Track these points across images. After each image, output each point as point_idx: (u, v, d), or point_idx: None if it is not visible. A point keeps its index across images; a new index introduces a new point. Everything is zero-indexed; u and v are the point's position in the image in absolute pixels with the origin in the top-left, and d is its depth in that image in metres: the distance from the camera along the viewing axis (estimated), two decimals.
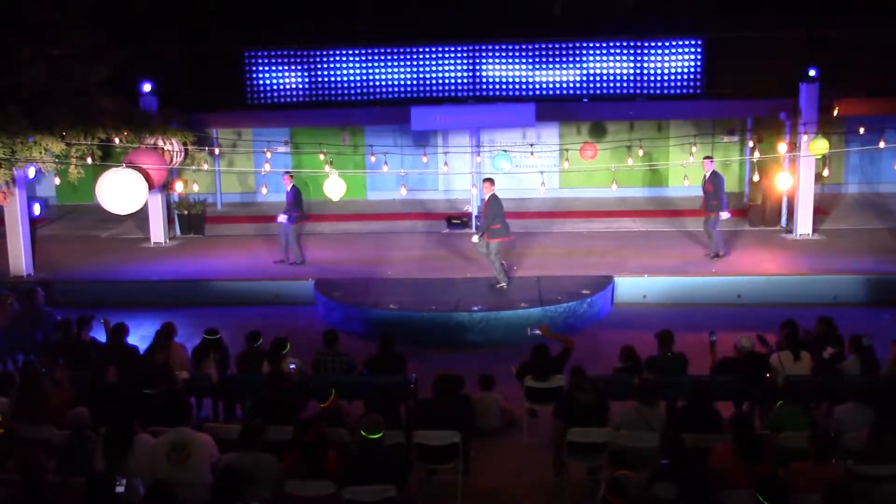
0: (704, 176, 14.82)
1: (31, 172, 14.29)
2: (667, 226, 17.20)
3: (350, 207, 18.33)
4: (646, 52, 16.50)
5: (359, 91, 16.98)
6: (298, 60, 16.97)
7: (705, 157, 14.80)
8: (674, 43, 16.45)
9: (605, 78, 16.63)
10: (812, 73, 15.46)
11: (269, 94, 17.05)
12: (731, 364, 9.30)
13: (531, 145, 14.04)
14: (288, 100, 17.08)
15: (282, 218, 15.00)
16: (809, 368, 9.25)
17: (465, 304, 13.02)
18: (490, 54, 16.72)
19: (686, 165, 14.50)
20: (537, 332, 10.27)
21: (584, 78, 16.65)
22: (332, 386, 8.29)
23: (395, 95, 16.90)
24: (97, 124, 13.61)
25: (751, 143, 16.19)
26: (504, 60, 16.71)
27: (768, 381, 8.86)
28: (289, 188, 14.97)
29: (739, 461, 6.70)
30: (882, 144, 14.25)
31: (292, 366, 9.15)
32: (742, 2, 18.09)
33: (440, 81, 16.81)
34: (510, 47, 16.68)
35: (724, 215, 14.76)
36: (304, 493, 6.80)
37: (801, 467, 6.68)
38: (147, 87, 15.89)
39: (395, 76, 16.88)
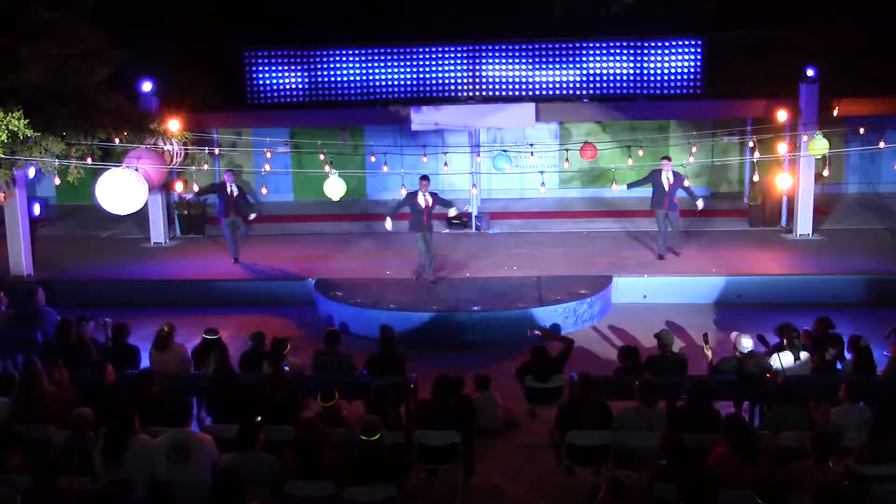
0: (668, 176, 14.50)
1: (31, 172, 14.28)
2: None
3: (350, 207, 18.33)
4: (646, 52, 16.49)
5: (359, 91, 16.98)
6: (298, 60, 16.96)
7: (663, 158, 14.69)
8: (674, 43, 16.44)
9: (605, 78, 16.62)
10: (810, 72, 15.47)
11: (269, 94, 17.04)
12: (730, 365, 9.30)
13: (531, 145, 14.04)
14: (288, 100, 17.08)
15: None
16: (809, 368, 9.27)
17: (465, 304, 13.02)
18: (490, 54, 16.70)
19: (686, 166, 14.49)
20: (537, 332, 10.29)
21: (584, 78, 16.64)
22: (332, 386, 8.28)
23: (395, 95, 16.90)
24: (97, 124, 13.61)
25: (751, 144, 16.18)
26: (504, 60, 16.70)
27: (768, 382, 8.86)
28: (232, 185, 15.20)
29: (737, 461, 6.71)
30: (882, 144, 14.27)
31: (286, 368, 9.17)
32: (742, 2, 18.07)
33: (440, 81, 16.80)
34: (510, 47, 16.67)
35: (700, 204, 14.69)
36: (304, 493, 6.80)
37: (801, 467, 6.68)
38: (147, 87, 15.88)
39: (395, 76, 16.88)
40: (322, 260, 15.54)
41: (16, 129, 11.62)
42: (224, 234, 15.59)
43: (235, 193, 15.14)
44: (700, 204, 14.61)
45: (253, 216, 15.58)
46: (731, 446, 6.81)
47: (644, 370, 9.20)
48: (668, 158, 14.65)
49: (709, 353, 9.47)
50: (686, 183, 14.72)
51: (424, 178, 13.82)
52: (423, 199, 13.67)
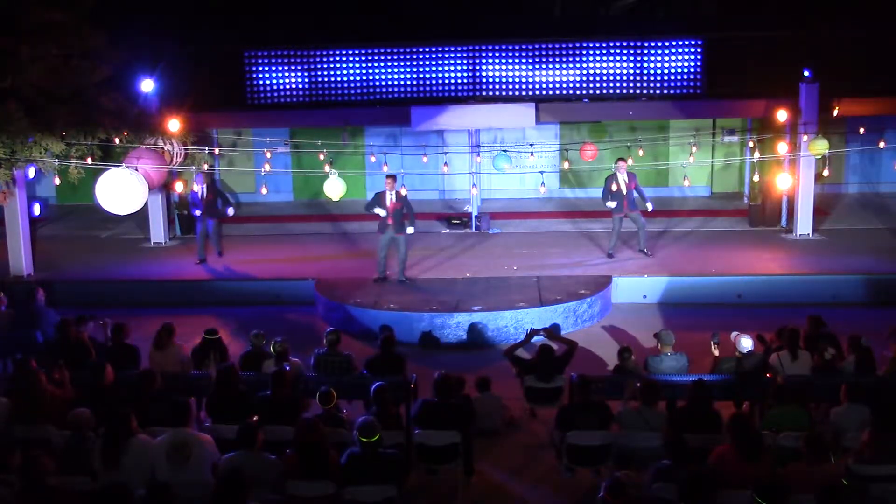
0: (624, 179, 14.53)
1: (31, 172, 14.29)
2: (666, 226, 17.19)
3: (350, 207, 18.33)
4: (646, 52, 16.50)
5: (359, 91, 16.99)
6: (298, 60, 16.97)
7: (618, 159, 14.66)
8: (674, 43, 16.44)
9: (605, 78, 16.63)
10: (806, 73, 15.47)
11: (269, 94, 17.05)
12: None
13: (531, 145, 14.04)
14: (288, 100, 17.09)
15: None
16: (809, 368, 9.26)
17: (465, 304, 13.02)
18: (490, 54, 16.71)
19: (686, 165, 14.50)
20: (540, 332, 10.28)
21: (584, 78, 16.65)
22: (332, 386, 8.29)
23: (395, 95, 16.91)
24: (97, 124, 13.61)
25: (751, 144, 16.19)
26: (504, 60, 16.71)
27: (768, 381, 8.86)
28: (203, 186, 15.28)
29: (739, 461, 6.70)
30: (882, 144, 14.27)
31: (287, 367, 9.16)
32: (742, 2, 18.09)
33: (440, 81, 16.81)
34: (510, 47, 16.68)
35: (650, 206, 14.88)
36: (305, 493, 6.80)
37: (800, 467, 6.68)
38: (147, 87, 15.88)
39: (395, 76, 16.89)
40: (322, 260, 15.54)
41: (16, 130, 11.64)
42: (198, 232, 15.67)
43: (205, 194, 15.22)
44: (649, 206, 14.79)
45: (231, 211, 15.56)
46: (734, 446, 6.80)
47: (642, 372, 9.20)
48: (623, 160, 14.62)
49: (716, 352, 9.47)
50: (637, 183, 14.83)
51: (389, 177, 13.81)
52: (388, 199, 13.70)
